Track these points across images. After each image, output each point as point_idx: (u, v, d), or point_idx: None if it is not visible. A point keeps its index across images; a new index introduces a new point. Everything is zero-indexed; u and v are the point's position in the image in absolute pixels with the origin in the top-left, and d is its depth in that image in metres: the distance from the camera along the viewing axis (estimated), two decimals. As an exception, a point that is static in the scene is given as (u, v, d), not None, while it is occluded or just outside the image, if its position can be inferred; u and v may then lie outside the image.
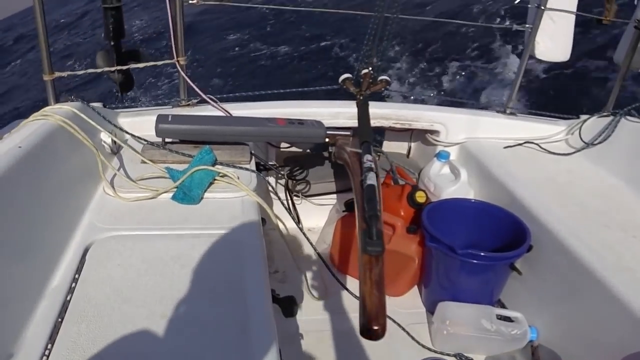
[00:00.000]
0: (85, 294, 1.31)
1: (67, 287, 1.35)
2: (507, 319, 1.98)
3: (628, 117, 2.50)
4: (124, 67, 2.23)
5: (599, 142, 2.50)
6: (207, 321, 1.25)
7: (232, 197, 1.80)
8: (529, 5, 2.64)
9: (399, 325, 2.09)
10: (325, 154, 2.62)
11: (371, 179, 1.48)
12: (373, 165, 1.58)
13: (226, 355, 1.16)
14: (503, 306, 2.18)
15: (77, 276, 1.39)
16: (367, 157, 1.63)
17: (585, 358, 1.73)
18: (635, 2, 2.69)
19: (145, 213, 1.68)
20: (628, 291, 1.58)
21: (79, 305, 1.28)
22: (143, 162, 1.94)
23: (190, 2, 2.21)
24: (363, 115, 2.14)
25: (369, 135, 1.86)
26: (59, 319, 1.24)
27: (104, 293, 1.32)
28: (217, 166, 1.91)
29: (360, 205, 1.45)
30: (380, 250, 1.20)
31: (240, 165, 1.98)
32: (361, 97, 2.48)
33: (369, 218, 1.27)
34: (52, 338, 1.18)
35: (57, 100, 2.02)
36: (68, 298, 1.31)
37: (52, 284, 1.37)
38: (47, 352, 1.14)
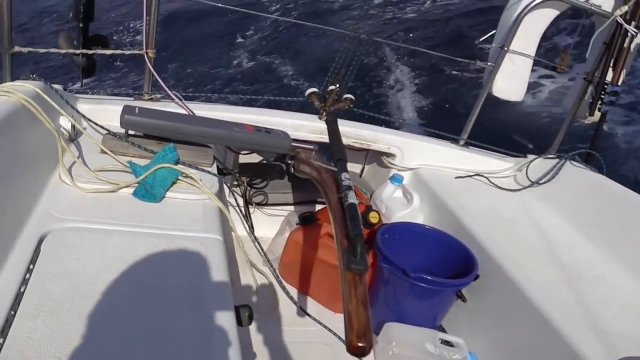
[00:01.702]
0: (41, 287, 1.24)
1: (20, 278, 1.26)
2: (449, 343, 2.03)
3: (572, 162, 2.66)
4: (90, 52, 2.16)
5: (544, 182, 2.63)
6: (168, 327, 1.22)
7: (194, 200, 1.77)
8: (493, 45, 2.76)
9: (343, 342, 2.10)
10: (282, 164, 2.61)
11: (352, 198, 1.49)
12: (351, 184, 1.59)
13: None
14: (443, 330, 2.24)
15: (31, 267, 1.31)
16: (345, 175, 1.65)
17: None
18: (587, 56, 2.87)
19: (104, 206, 1.61)
20: (565, 325, 1.68)
21: (34, 298, 1.20)
22: (103, 152, 1.87)
23: None
24: (334, 132, 2.15)
25: (343, 153, 1.87)
26: (12, 312, 1.16)
27: (62, 287, 1.25)
28: (179, 166, 1.86)
29: (339, 222, 1.46)
30: (364, 269, 1.22)
31: (203, 168, 1.95)
32: (324, 113, 2.51)
33: (354, 237, 1.29)
34: (3, 332, 1.10)
35: (12, 76, 1.93)
36: (22, 290, 1.23)
37: (3, 274, 1.28)
38: None
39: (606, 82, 2.78)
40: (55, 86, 1.97)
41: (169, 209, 1.68)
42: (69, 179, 1.67)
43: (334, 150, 1.96)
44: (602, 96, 2.80)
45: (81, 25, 2.11)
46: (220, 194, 1.89)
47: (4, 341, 1.08)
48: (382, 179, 2.78)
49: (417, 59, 8.42)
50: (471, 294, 2.07)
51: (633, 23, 2.66)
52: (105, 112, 2.12)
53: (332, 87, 2.48)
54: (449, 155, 2.80)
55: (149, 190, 1.69)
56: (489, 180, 2.73)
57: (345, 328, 1.12)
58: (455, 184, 2.64)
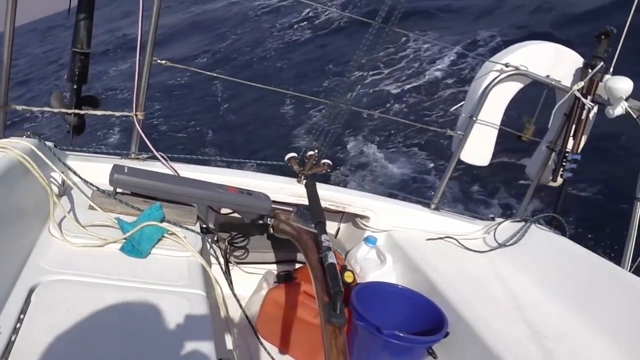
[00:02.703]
0: (31, 336, 1.29)
1: (11, 327, 1.32)
2: (421, 400, 2.10)
3: (537, 225, 2.81)
4: (81, 112, 2.26)
5: (511, 244, 2.77)
6: None
7: (179, 257, 1.84)
8: (462, 115, 2.95)
9: None
10: (262, 224, 2.70)
11: (331, 258, 1.60)
12: (331, 245, 1.70)
13: None
14: (415, 388, 2.30)
15: (22, 317, 1.36)
16: (325, 236, 1.76)
17: None
18: (549, 126, 3.08)
19: (92, 260, 1.68)
20: None
21: (24, 347, 1.25)
22: (91, 208, 1.95)
23: (159, 62, 2.29)
24: (313, 196, 2.27)
25: (322, 216, 1.99)
26: (2, 359, 1.22)
27: (52, 337, 1.30)
28: (165, 224, 1.94)
29: (320, 280, 1.56)
30: (344, 323, 1.31)
31: (187, 226, 2.03)
32: (303, 176, 2.63)
33: (334, 293, 1.40)
34: None
35: (4, 132, 2.03)
36: (12, 339, 1.28)
37: None
38: None
39: (567, 150, 2.99)
40: (48, 143, 2.07)
41: (154, 265, 1.75)
42: (58, 233, 1.74)
43: (314, 214, 2.08)
44: (564, 163, 3.00)
45: (75, 86, 2.23)
46: (202, 252, 1.97)
47: None
48: (356, 240, 2.88)
49: (393, 127, 8.81)
50: (442, 351, 2.14)
51: (589, 97, 2.89)
52: (94, 169, 2.20)
53: (311, 152, 2.62)
54: (421, 218, 2.93)
55: (136, 247, 1.77)
56: (459, 242, 2.85)
57: None
58: (426, 246, 2.76)
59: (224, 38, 18.57)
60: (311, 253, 1.78)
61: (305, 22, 17.80)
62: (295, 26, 17.82)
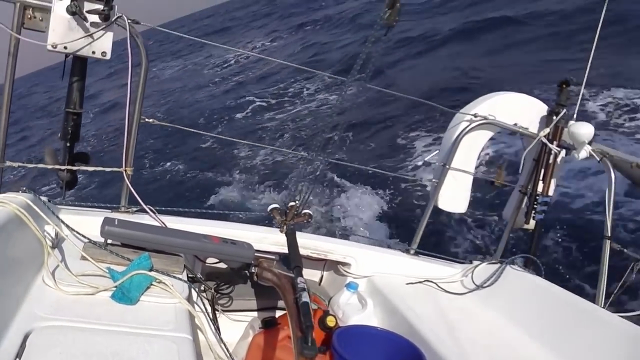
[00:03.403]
0: None
1: None
2: None
3: (512, 266, 2.93)
4: (74, 168, 2.39)
5: (488, 286, 2.88)
6: None
7: (166, 303, 1.93)
8: (436, 163, 3.11)
9: None
10: (247, 272, 2.80)
11: (305, 298, 1.72)
12: (306, 286, 1.82)
13: None
14: None
15: None
16: (300, 279, 1.89)
17: None
18: (520, 171, 3.25)
19: (84, 307, 1.77)
20: None
21: None
22: (83, 258, 2.05)
23: (146, 120, 2.44)
24: (292, 243, 2.39)
25: (300, 261, 2.11)
26: None
27: None
28: (153, 272, 2.04)
29: (295, 317, 1.67)
30: (314, 354, 1.42)
31: (174, 275, 2.13)
32: (284, 226, 2.74)
33: (306, 328, 1.51)
34: None
35: (0, 188, 2.14)
36: None
37: None
38: None
39: (538, 193, 3.14)
40: (42, 198, 2.18)
41: (144, 311, 1.84)
42: (52, 282, 1.84)
43: (292, 259, 2.21)
44: (535, 206, 3.15)
45: (68, 144, 2.36)
46: (189, 299, 2.07)
47: None
48: (339, 286, 2.97)
49: (369, 177, 9.00)
50: (422, 390, 2.22)
51: (555, 142, 3.07)
52: (85, 222, 2.30)
53: (292, 203, 2.74)
54: (401, 264, 3.03)
55: (126, 294, 1.86)
56: (438, 286, 2.95)
57: None
58: (406, 290, 2.86)
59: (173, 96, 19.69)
60: (288, 294, 1.90)
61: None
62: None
